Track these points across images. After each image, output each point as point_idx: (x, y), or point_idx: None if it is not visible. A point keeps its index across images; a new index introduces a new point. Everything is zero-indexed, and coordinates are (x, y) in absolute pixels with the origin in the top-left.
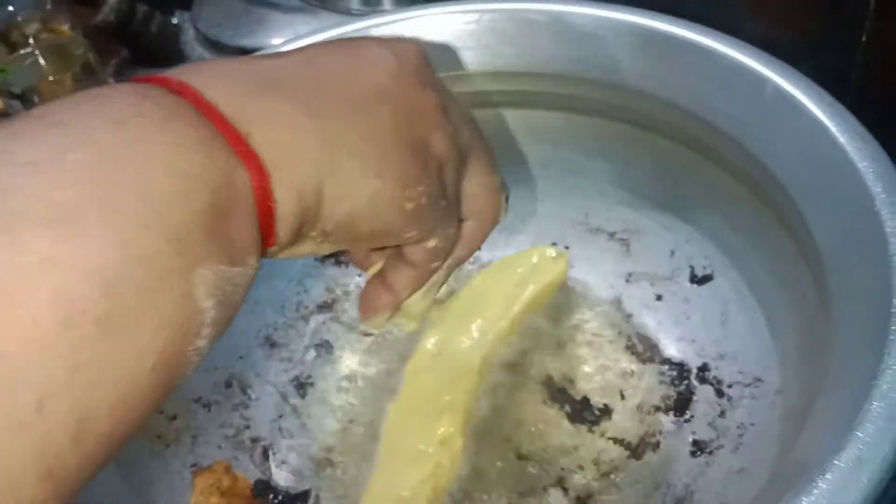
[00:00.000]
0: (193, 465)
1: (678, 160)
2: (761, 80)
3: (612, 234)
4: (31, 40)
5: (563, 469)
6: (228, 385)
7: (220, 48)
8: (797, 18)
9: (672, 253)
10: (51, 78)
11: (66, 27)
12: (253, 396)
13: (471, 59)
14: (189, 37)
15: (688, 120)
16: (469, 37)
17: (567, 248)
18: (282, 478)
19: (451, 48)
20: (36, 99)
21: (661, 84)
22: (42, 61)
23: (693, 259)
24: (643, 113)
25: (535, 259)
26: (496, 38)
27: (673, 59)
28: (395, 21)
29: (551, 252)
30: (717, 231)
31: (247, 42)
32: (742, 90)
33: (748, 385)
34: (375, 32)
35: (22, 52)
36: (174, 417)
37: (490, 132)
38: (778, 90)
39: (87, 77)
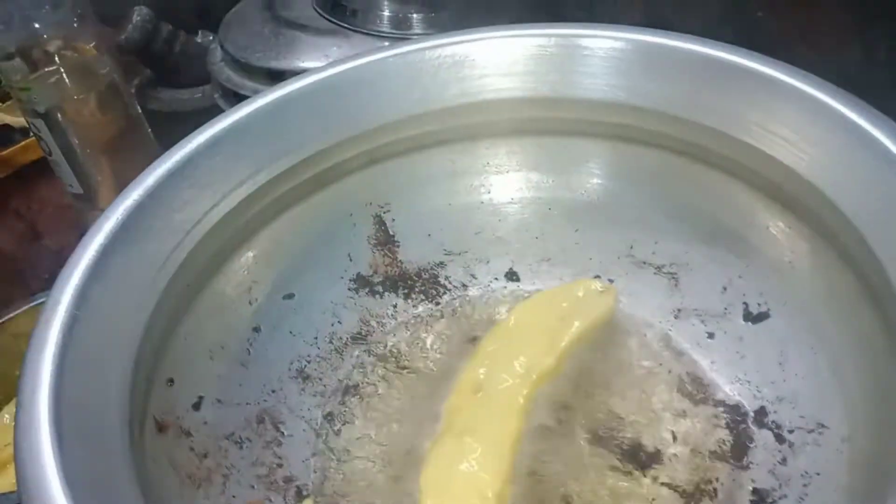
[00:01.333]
0: None
1: (732, 193)
2: (830, 113)
3: (659, 268)
4: (56, 58)
5: None
6: (260, 421)
7: (249, 70)
8: (838, 46)
9: (724, 289)
10: (75, 97)
11: (90, 46)
12: (286, 433)
13: (514, 85)
14: (216, 58)
15: (746, 153)
16: (513, 63)
17: (611, 281)
18: None
19: (493, 74)
20: (60, 117)
21: (718, 115)
22: (66, 80)
23: (747, 296)
24: (696, 144)
25: (580, 293)
26: (542, 64)
27: (732, 89)
28: (434, 47)
29: (598, 286)
30: (772, 267)
31: (275, 64)
32: (809, 123)
33: (811, 431)
34: (412, 59)
35: (46, 70)
36: (205, 455)
37: (531, 161)
38: (848, 123)
39: (112, 97)
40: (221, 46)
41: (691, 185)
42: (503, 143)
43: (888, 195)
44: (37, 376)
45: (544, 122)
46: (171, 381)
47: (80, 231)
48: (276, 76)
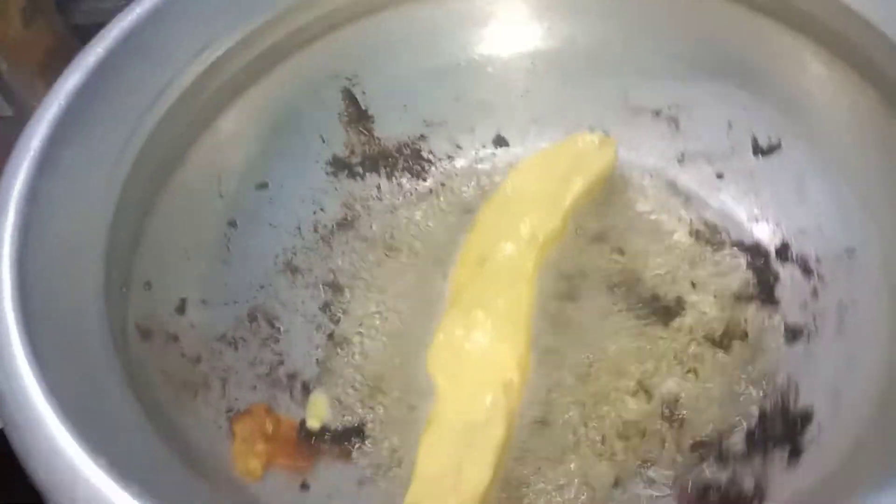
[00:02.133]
0: (229, 411)
1: (730, 18)
2: None
3: (657, 112)
4: None
5: (643, 373)
6: (252, 318)
7: None
8: None
9: (729, 125)
10: None
11: None
12: (282, 329)
13: None
14: None
15: None
16: None
17: (606, 133)
18: (328, 413)
19: None
20: None
21: None
22: None
23: (755, 128)
24: None
25: (578, 148)
26: None
27: None
28: None
29: (595, 138)
30: (781, 94)
31: None
32: None
33: (840, 258)
34: None
35: None
36: (198, 360)
37: (508, 9)
38: None
39: (34, 10)
40: None
41: (684, 16)
42: None
43: None
44: None
45: None
46: (149, 284)
47: None
48: None
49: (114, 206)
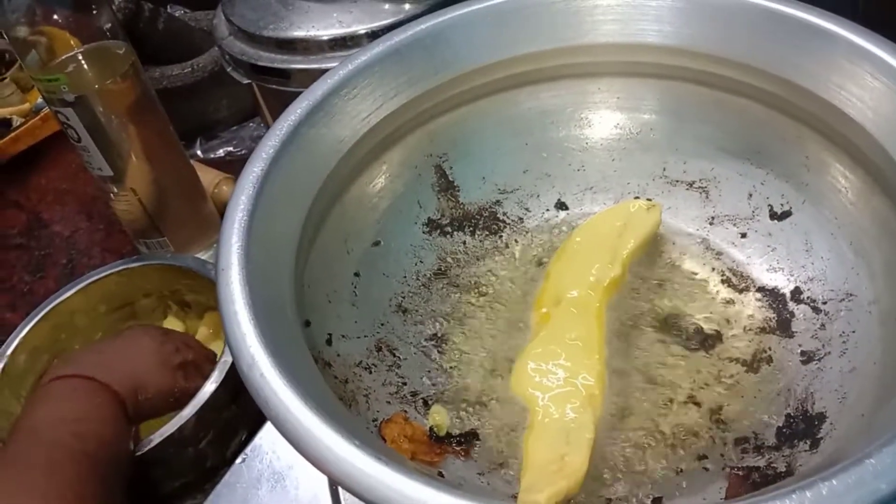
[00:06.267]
0: (374, 421)
1: (753, 115)
2: (838, 41)
3: (690, 184)
4: (72, 44)
5: (691, 388)
6: (379, 349)
7: (263, 41)
8: None
9: (750, 195)
10: (107, 82)
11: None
12: (401, 357)
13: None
14: (223, 33)
15: (767, 80)
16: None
17: (649, 199)
18: (448, 422)
19: (530, 25)
20: (99, 108)
21: (744, 51)
22: (85, 65)
23: (771, 199)
24: (721, 75)
25: (630, 211)
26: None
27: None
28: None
29: (644, 204)
30: (791, 172)
31: (290, 34)
32: (820, 51)
33: (842, 300)
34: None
35: (63, 57)
36: (346, 381)
37: (568, 100)
38: (854, 47)
39: (133, 78)
40: (228, 20)
41: (713, 110)
42: (542, 87)
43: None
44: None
45: (565, 67)
46: (308, 322)
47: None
48: (290, 45)
49: (293, 264)
